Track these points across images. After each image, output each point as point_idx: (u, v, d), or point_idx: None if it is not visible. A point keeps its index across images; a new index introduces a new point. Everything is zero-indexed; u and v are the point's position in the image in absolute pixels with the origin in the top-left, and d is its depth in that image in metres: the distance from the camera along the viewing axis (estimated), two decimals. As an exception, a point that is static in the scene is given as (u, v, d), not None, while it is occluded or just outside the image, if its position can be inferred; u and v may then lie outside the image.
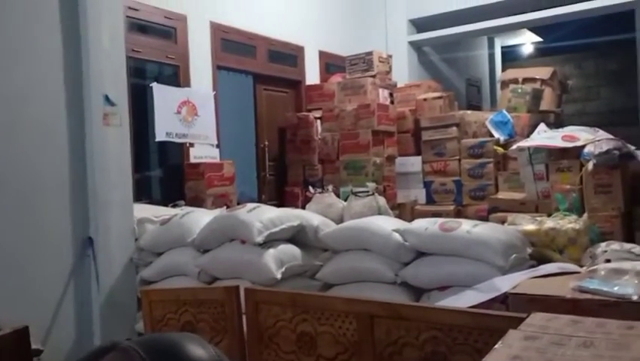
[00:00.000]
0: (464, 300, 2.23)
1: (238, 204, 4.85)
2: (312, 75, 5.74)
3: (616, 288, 1.75)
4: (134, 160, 4.00)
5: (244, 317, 2.28)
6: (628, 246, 2.80)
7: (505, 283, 2.16)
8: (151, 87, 4.04)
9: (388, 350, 1.91)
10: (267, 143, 5.14)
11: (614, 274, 1.87)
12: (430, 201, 5.04)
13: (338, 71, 5.80)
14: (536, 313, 1.60)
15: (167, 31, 4.29)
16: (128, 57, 4.03)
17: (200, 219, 3.16)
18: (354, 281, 2.92)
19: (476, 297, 2.18)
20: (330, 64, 5.98)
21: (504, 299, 2.16)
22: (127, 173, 3.25)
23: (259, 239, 2.84)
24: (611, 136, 3.95)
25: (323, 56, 5.88)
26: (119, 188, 3.19)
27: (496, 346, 1.37)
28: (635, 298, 1.69)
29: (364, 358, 1.95)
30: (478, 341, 1.73)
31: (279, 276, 2.79)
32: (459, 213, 4.70)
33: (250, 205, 3.08)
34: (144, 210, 3.52)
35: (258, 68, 5.10)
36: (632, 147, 3.67)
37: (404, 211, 4.93)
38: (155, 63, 4.27)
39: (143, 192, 4.14)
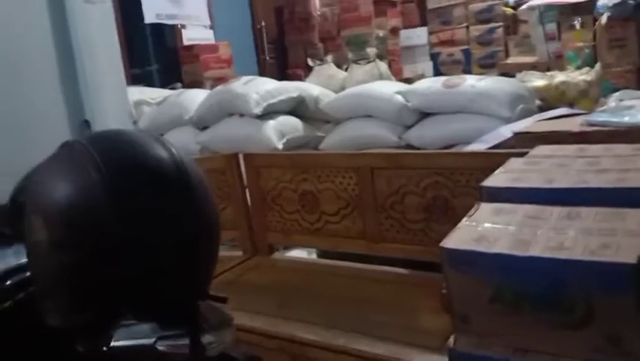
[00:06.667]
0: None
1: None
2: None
3: (626, 118, 1.66)
4: (127, 45, 3.86)
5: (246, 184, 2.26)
6: (642, 93, 2.68)
7: (510, 130, 2.08)
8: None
9: (390, 200, 1.88)
10: (264, 24, 4.90)
11: (624, 108, 1.77)
12: (437, 74, 4.85)
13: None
14: (541, 145, 1.53)
15: None
16: None
17: (196, 96, 3.08)
18: (358, 149, 2.86)
19: (480, 147, 2.11)
20: None
21: (510, 147, 2.09)
22: (115, 54, 3.11)
23: (257, 110, 2.76)
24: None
25: None
26: (110, 69, 3.07)
27: (496, 171, 1.31)
28: (646, 125, 1.60)
29: (366, 210, 1.93)
30: (480, 181, 1.68)
31: (280, 146, 2.73)
32: (467, 83, 4.54)
33: (245, 78, 2.97)
34: (140, 93, 3.43)
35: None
36: (649, -4, 3.42)
37: (411, 86, 4.77)
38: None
39: (139, 78, 4.02)
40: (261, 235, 2.18)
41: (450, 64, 4.75)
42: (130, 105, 3.21)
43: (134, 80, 4.10)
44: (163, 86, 4.14)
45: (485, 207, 1.17)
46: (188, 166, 0.72)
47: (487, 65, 4.55)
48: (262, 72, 4.96)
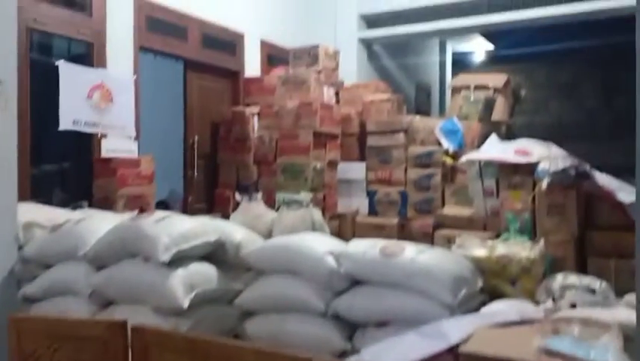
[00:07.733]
0: (405, 349, 1.83)
1: (163, 205, 4.31)
2: (252, 66, 5.25)
3: (592, 354, 1.39)
4: (32, 152, 3.43)
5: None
6: (585, 281, 2.50)
7: (455, 331, 1.78)
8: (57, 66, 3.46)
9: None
10: (197, 138, 4.62)
11: (589, 333, 1.52)
12: (372, 212, 4.66)
13: (281, 64, 5.35)
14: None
15: (80, 2, 3.69)
16: (30, 29, 3.45)
17: (98, 227, 2.64)
18: (279, 310, 2.48)
19: (420, 347, 1.79)
20: (273, 56, 5.51)
21: (454, 351, 1.78)
22: (11, 166, 2.70)
23: (165, 257, 2.36)
24: (565, 152, 3.69)
25: (265, 46, 5.40)
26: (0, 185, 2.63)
27: None
28: (618, 372, 1.33)
29: None
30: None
31: (186, 304, 2.31)
32: (403, 228, 4.35)
33: (158, 214, 2.59)
34: (35, 212, 2.96)
35: (190, 54, 4.57)
36: (587, 166, 3.40)
37: (344, 223, 4.53)
38: (64, 38, 3.67)
39: (41, 191, 3.54)
40: None
41: (386, 204, 4.57)
42: (17, 227, 2.73)
43: (42, 177, 3.65)
44: (73, 189, 3.70)
45: None
46: None
47: (423, 211, 4.40)
48: (188, 189, 4.61)
